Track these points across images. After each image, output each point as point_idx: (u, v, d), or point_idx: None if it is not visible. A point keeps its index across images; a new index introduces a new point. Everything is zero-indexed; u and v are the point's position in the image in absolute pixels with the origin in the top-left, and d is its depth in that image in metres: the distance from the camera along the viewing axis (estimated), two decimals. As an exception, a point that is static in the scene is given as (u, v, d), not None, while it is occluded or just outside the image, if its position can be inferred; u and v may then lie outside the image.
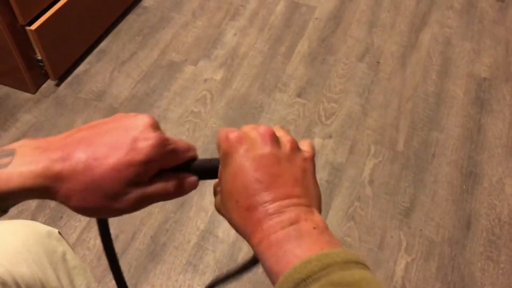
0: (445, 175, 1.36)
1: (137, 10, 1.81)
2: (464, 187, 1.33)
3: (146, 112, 1.48)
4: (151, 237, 1.22)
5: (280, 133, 0.42)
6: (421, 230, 1.25)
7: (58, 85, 1.56)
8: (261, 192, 0.37)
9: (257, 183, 0.37)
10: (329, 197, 1.30)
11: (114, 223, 1.24)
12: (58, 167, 0.35)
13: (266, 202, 0.37)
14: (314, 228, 0.36)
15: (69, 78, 1.58)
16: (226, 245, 1.21)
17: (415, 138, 1.44)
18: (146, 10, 1.81)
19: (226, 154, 0.39)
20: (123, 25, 1.75)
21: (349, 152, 1.40)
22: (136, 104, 1.51)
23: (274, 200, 0.37)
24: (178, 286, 1.14)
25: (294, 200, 0.37)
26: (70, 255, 0.64)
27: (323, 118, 1.49)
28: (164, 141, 0.39)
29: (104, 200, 0.36)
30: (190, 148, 0.43)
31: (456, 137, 1.45)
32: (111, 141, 0.37)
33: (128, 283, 1.19)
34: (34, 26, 1.35)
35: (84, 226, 1.23)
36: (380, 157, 1.39)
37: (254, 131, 0.40)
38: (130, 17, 1.78)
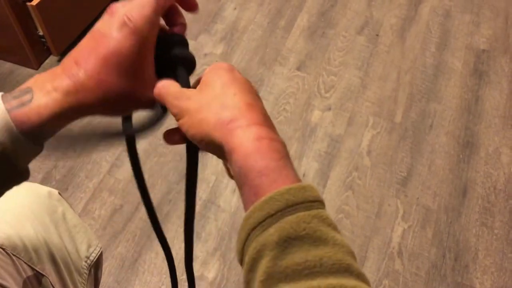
0: (442, 145, 1.38)
1: (137, -15, 1.81)
2: (461, 156, 1.36)
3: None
4: (155, 207, 1.25)
5: None
6: (417, 198, 1.28)
7: (60, 60, 1.57)
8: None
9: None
10: (327, 168, 1.32)
11: (118, 193, 1.27)
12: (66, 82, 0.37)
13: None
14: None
15: (71, 54, 1.59)
16: (227, 214, 1.24)
17: (413, 109, 1.46)
18: (146, -15, 1.81)
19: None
20: (123, 1, 1.75)
21: (348, 124, 1.42)
22: (137, 79, 1.53)
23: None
24: (182, 253, 1.18)
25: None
26: (70, 214, 0.67)
27: (323, 91, 1.50)
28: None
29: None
30: None
31: (454, 108, 1.46)
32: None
33: (133, 251, 1.23)
34: (34, 2, 1.36)
35: (89, 197, 1.27)
36: (378, 128, 1.41)
37: None
38: (130, -7, 1.78)
